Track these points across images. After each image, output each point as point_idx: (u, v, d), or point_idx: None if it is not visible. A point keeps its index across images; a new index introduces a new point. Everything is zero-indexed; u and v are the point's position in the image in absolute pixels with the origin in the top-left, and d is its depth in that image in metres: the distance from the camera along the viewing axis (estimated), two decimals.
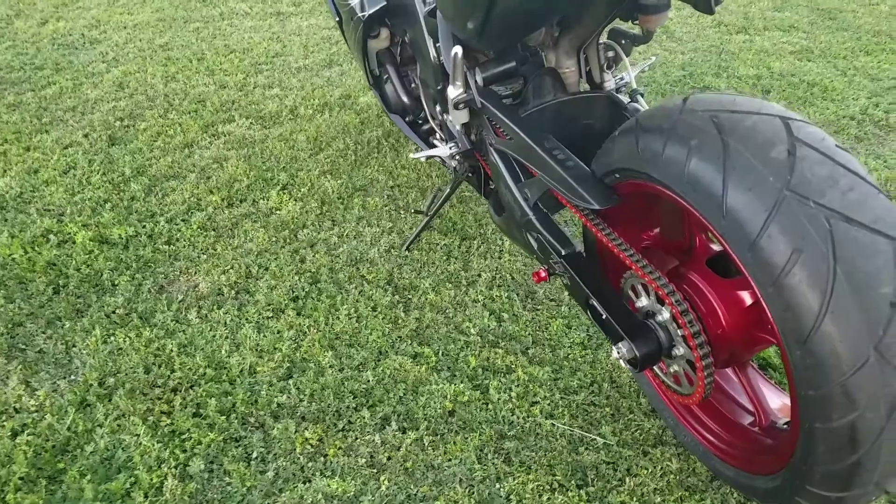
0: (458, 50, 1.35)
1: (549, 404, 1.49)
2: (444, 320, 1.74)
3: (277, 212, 2.23)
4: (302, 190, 2.33)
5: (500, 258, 1.96)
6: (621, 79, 1.69)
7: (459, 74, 1.37)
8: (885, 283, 0.83)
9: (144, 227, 2.17)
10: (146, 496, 1.32)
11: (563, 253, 1.34)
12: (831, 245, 0.84)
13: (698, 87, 2.94)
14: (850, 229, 0.85)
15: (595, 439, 1.41)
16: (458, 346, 1.66)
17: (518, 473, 1.35)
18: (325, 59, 3.39)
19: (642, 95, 1.61)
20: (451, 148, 1.69)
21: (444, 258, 1.97)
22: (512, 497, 1.31)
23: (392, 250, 2.01)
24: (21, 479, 1.34)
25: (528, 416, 1.47)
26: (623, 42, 1.60)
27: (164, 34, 3.85)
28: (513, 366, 1.59)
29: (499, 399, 1.51)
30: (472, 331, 1.70)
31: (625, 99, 1.59)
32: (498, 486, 1.33)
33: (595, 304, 1.25)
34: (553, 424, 1.44)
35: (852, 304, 0.83)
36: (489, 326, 1.71)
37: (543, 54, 1.61)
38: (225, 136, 2.74)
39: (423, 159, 1.76)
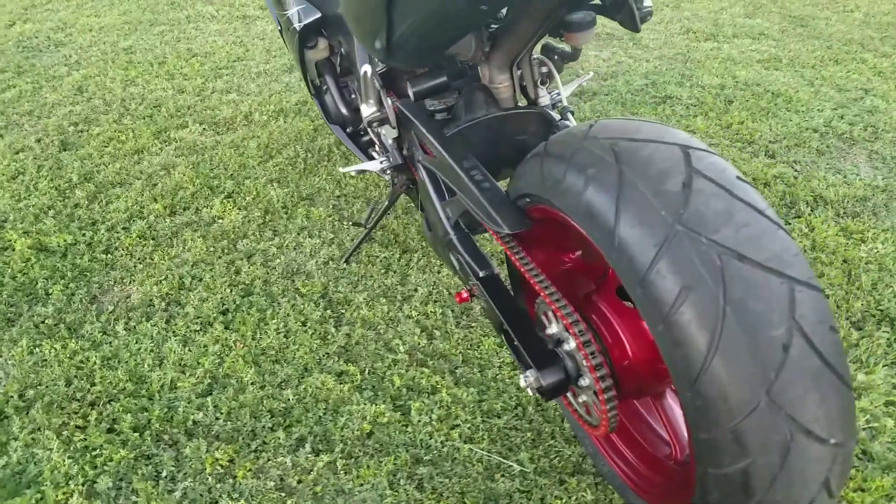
0: (367, 69, 1.34)
1: (469, 428, 1.48)
2: (374, 336, 1.73)
3: (219, 221, 2.21)
4: (247, 199, 2.31)
5: (438, 272, 1.94)
6: (557, 94, 1.68)
7: (371, 92, 1.35)
8: (778, 326, 0.81)
9: (84, 235, 2.15)
10: None
11: (480, 275, 1.32)
12: (722, 283, 0.82)
13: (659, 96, 2.94)
14: (742, 267, 0.83)
15: (512, 466, 1.40)
16: (386, 364, 1.65)
17: (429, 501, 1.34)
18: (285, 64, 3.38)
19: (572, 113, 1.60)
20: (382, 162, 1.67)
21: (383, 271, 1.95)
22: None
23: (331, 262, 2.00)
24: None
25: (446, 440, 1.45)
26: (555, 58, 1.59)
27: (128, 37, 3.83)
28: (438, 386, 1.57)
29: (419, 421, 1.49)
30: (401, 348, 1.68)
31: (556, 116, 1.58)
32: None
33: (507, 329, 1.23)
34: (471, 449, 1.43)
35: (742, 346, 0.81)
36: (419, 344, 1.70)
37: (479, 69, 1.60)
38: (176, 142, 2.72)
39: (353, 173, 1.75)
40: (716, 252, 0.83)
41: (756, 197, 0.89)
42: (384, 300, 1.84)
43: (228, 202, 2.29)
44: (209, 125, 2.83)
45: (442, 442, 1.45)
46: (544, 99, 1.62)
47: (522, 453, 1.42)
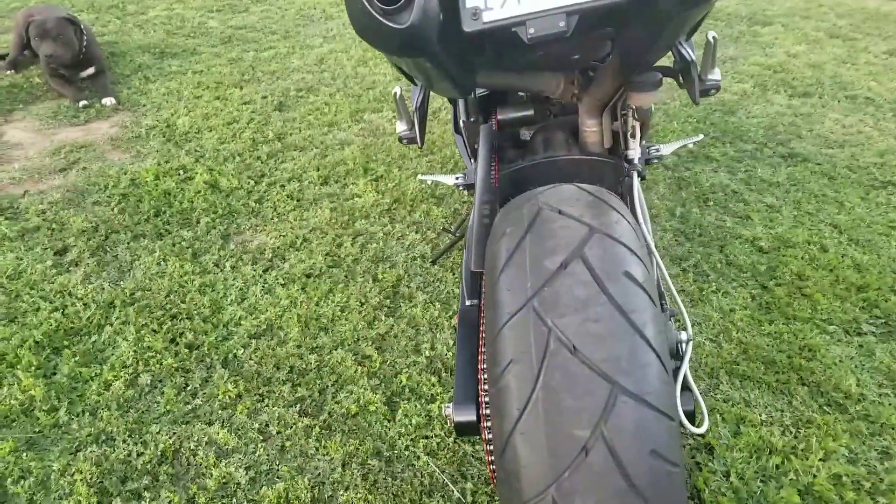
0: (397, 90, 1.48)
1: (438, 443, 1.55)
2: (411, 335, 1.86)
3: (356, 198, 2.52)
4: (388, 185, 2.58)
5: None
6: (657, 150, 1.66)
7: (401, 111, 1.48)
8: (583, 427, 0.80)
9: (249, 183, 2.62)
10: (98, 387, 1.70)
11: (466, 304, 1.40)
12: (541, 367, 0.84)
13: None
14: (569, 359, 0.83)
15: (453, 491, 1.44)
16: (406, 362, 1.78)
17: (363, 490, 1.45)
18: None
19: (642, 177, 1.56)
20: (457, 178, 1.80)
21: (455, 280, 2.07)
22: None
23: (418, 259, 2.17)
24: (35, 342, 1.82)
25: (411, 446, 1.54)
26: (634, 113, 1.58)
27: None
28: (435, 397, 1.66)
29: (399, 421, 1.60)
30: (426, 353, 1.80)
31: (639, 167, 1.57)
32: (338, 494, 1.45)
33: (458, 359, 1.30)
34: (427, 462, 1.50)
35: (541, 433, 0.82)
36: (444, 354, 1.79)
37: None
38: (365, 123, 3.11)
39: (429, 181, 1.88)
40: (552, 336, 0.84)
41: (630, 297, 0.86)
42: (438, 305, 1.96)
43: (371, 184, 2.59)
44: (395, 111, 3.18)
45: (407, 446, 1.54)
46: (634, 151, 1.61)
47: (469, 483, 1.45)
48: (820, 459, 1.50)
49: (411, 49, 0.98)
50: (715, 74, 1.41)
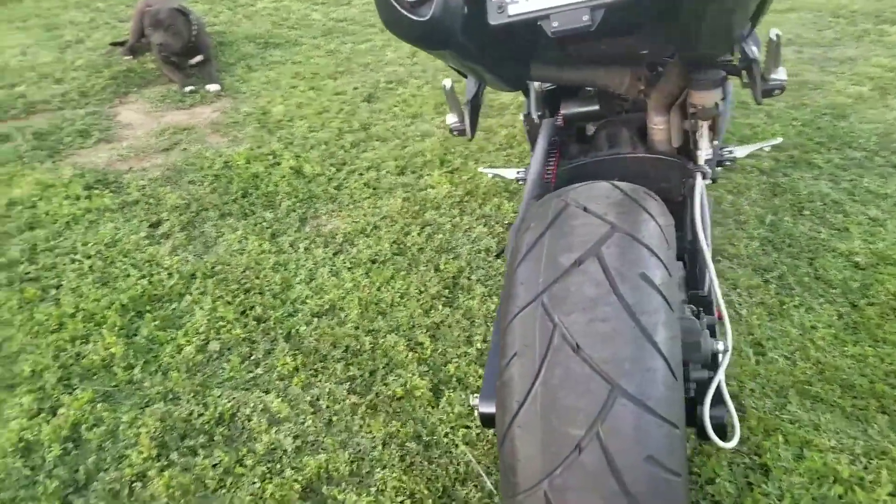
0: (446, 82, 1.50)
1: (476, 434, 1.57)
2: (465, 326, 1.90)
3: (430, 189, 2.58)
4: (463, 177, 2.63)
5: None
6: (730, 151, 1.62)
7: (451, 104, 1.51)
8: (579, 426, 0.81)
9: (330, 170, 2.74)
10: (172, 350, 1.85)
11: None
12: (543, 363, 0.85)
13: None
14: (571, 357, 0.84)
15: (486, 483, 1.46)
16: (457, 352, 1.81)
17: (398, 471, 1.50)
18: None
19: (711, 178, 1.52)
20: (519, 172, 1.82)
21: None
22: (372, 492, 1.48)
23: (483, 253, 2.20)
24: (122, 305, 2.00)
25: (450, 433, 1.58)
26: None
27: None
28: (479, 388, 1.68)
29: (442, 408, 1.64)
30: (478, 345, 1.82)
31: (707, 170, 1.54)
32: (375, 471, 1.51)
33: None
34: (464, 452, 1.53)
35: (538, 428, 0.84)
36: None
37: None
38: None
39: (490, 175, 1.90)
40: (557, 333, 0.85)
41: (643, 300, 0.85)
42: (496, 299, 1.98)
43: (446, 176, 2.64)
44: (484, 108, 3.22)
45: (446, 433, 1.57)
46: (702, 152, 1.57)
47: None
48: (889, 493, 1.40)
49: (433, 41, 1.01)
50: (779, 74, 1.35)
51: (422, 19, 0.97)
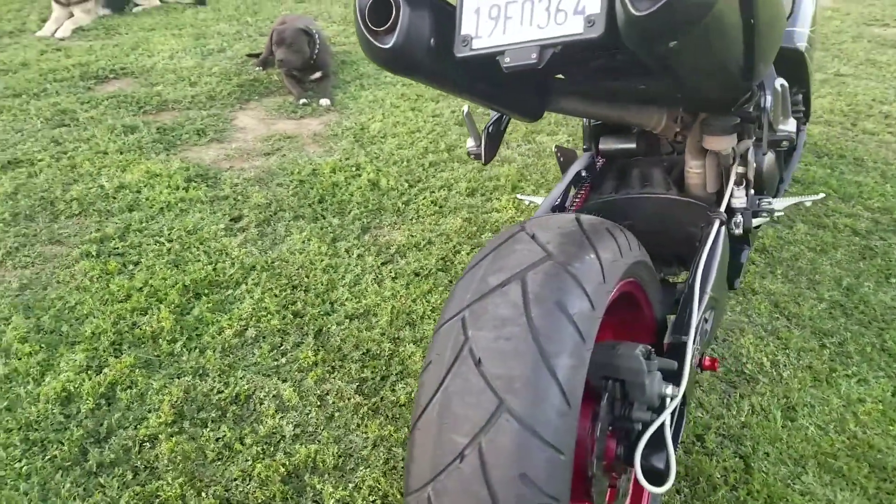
0: (465, 108, 1.58)
1: None
2: None
3: (495, 213, 2.65)
4: (529, 203, 2.67)
5: None
6: (768, 203, 1.60)
7: (470, 128, 1.57)
8: (464, 435, 0.86)
9: (404, 186, 2.89)
10: (214, 331, 2.04)
11: None
12: (447, 373, 0.92)
13: None
14: (471, 369, 0.90)
15: None
16: None
17: (378, 473, 1.57)
18: None
19: (744, 229, 1.50)
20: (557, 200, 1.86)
21: None
22: (349, 487, 1.55)
23: None
24: (184, 286, 2.23)
25: None
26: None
27: None
28: None
29: None
30: None
31: (740, 222, 1.53)
32: (358, 468, 1.59)
33: None
34: None
35: (431, 433, 0.90)
36: None
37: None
38: (535, 144, 3.24)
39: (527, 202, 1.94)
40: (466, 346, 0.90)
41: (552, 326, 0.89)
42: None
43: (514, 202, 2.70)
44: (573, 135, 3.25)
45: None
46: (738, 201, 1.56)
47: None
48: None
49: (399, 67, 1.10)
50: (787, 125, 1.32)
51: (385, 47, 1.07)
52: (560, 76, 1.50)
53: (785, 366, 1.89)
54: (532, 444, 0.84)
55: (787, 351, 1.95)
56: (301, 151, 3.28)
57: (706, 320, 1.35)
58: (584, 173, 1.74)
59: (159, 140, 3.36)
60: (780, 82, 1.25)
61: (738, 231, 1.58)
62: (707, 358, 1.41)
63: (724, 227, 1.49)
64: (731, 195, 1.57)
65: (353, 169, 3.03)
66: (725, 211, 1.55)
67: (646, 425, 1.09)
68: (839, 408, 1.74)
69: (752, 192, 1.62)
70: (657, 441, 1.06)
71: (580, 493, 1.05)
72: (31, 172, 3.01)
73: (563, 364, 0.87)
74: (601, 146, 1.75)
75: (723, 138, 1.38)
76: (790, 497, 1.51)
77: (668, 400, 1.09)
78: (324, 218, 2.66)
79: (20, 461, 1.59)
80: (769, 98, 1.26)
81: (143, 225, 2.61)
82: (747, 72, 1.14)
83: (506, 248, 1.03)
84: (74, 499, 1.50)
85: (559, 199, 1.70)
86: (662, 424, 1.06)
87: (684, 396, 1.20)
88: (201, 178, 2.98)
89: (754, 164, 1.55)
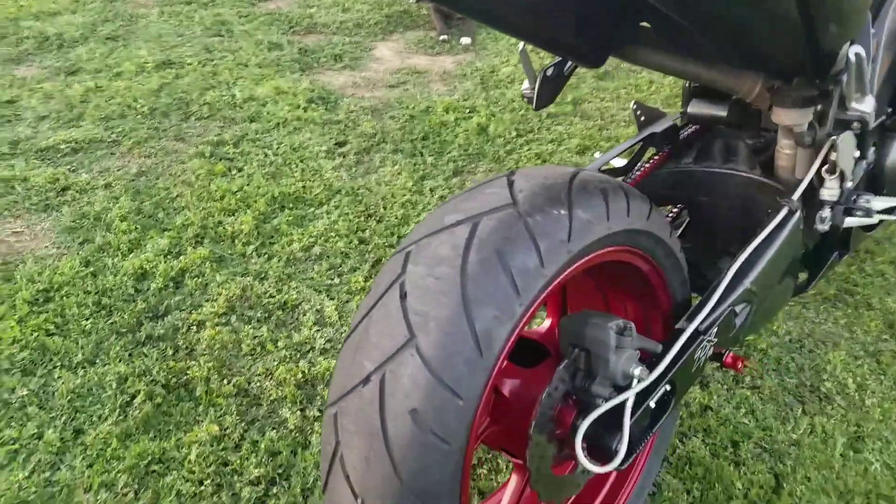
0: (522, 45, 1.48)
1: None
2: None
3: None
4: None
5: None
6: (867, 200, 1.44)
7: (525, 69, 1.48)
8: (370, 364, 0.87)
9: (512, 134, 2.85)
10: (285, 243, 2.18)
11: None
12: (397, 295, 0.93)
13: None
14: (392, 301, 0.90)
15: None
16: None
17: None
18: None
19: (829, 225, 1.36)
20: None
21: None
22: None
23: None
24: (273, 196, 2.39)
25: None
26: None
27: None
28: None
29: None
30: None
31: (827, 216, 1.39)
32: None
33: None
34: None
35: (351, 355, 0.92)
36: None
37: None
38: (675, 107, 3.06)
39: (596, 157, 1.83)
40: (399, 280, 0.91)
41: (485, 274, 0.87)
42: None
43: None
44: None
45: None
46: (830, 191, 1.40)
47: None
48: None
49: None
50: (861, 104, 1.14)
51: None
52: (644, 24, 1.40)
53: (873, 393, 1.69)
54: (430, 383, 0.83)
55: (882, 377, 1.74)
56: (425, 87, 3.33)
57: (735, 313, 1.23)
58: (661, 137, 1.63)
59: (298, 60, 3.56)
60: (856, 50, 1.08)
61: (824, 227, 1.41)
62: (731, 355, 1.30)
63: (794, 218, 1.35)
64: (822, 185, 1.41)
65: (467, 111, 3.04)
66: (814, 203, 1.39)
67: (605, 402, 1.03)
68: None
69: (850, 185, 1.43)
70: (615, 421, 1.01)
71: (523, 452, 1.04)
72: (178, 74, 3.33)
73: (484, 313, 0.85)
74: (689, 109, 1.63)
75: (791, 111, 1.23)
76: None
77: (634, 381, 1.02)
78: (421, 155, 2.71)
79: (87, 319, 1.82)
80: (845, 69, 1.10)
81: (258, 136, 2.80)
82: (809, 31, 1.00)
83: (478, 190, 1.00)
84: (118, 360, 1.69)
85: (628, 161, 1.61)
86: (623, 404, 1.00)
87: (674, 386, 1.12)
88: (322, 100, 3.13)
89: (854, 153, 1.37)
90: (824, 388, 1.71)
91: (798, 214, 1.36)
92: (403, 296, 0.89)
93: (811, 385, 1.72)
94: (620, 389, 1.03)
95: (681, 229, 1.70)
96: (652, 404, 1.08)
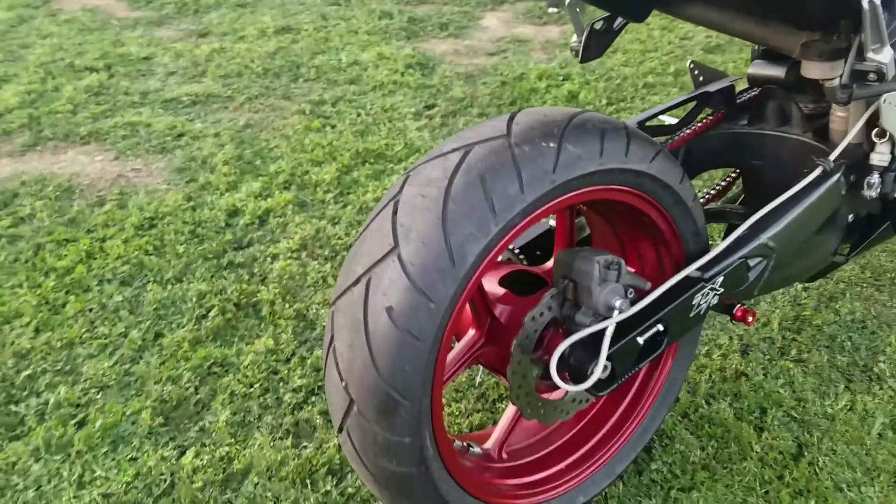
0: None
1: None
2: None
3: None
4: None
5: None
6: None
7: (574, 22, 1.52)
8: (363, 264, 1.01)
9: (602, 102, 2.88)
10: (366, 191, 2.36)
11: None
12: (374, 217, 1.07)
13: None
14: (388, 218, 1.04)
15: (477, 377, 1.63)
16: None
17: None
18: None
19: (876, 192, 1.35)
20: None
21: None
22: None
23: None
24: (358, 152, 2.58)
25: None
26: None
27: None
28: None
29: None
30: None
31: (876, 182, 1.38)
32: None
33: None
34: None
35: (350, 259, 1.06)
36: None
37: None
38: None
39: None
40: (394, 199, 1.03)
41: (466, 194, 0.97)
42: None
43: None
44: None
45: None
46: (880, 156, 1.39)
47: None
48: None
49: None
50: (879, 55, 1.12)
51: None
52: None
53: None
54: (406, 286, 0.95)
55: None
56: (525, 56, 3.41)
57: (748, 266, 1.26)
58: (716, 96, 1.63)
59: (405, 28, 3.74)
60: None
61: (872, 194, 1.39)
62: (741, 308, 1.33)
63: (830, 180, 1.34)
64: (873, 150, 1.38)
65: (560, 78, 3.09)
66: (864, 168, 1.38)
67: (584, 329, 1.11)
68: None
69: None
70: (597, 349, 1.09)
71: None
72: (294, 39, 3.61)
73: (460, 229, 0.96)
74: (750, 70, 1.62)
75: (817, 64, 1.23)
76: (831, 499, 1.37)
77: (615, 312, 1.09)
78: None
79: (181, 244, 2.09)
80: (866, 20, 1.09)
81: (355, 97, 3.01)
82: None
83: (483, 124, 1.10)
84: (201, 280, 1.94)
85: (680, 120, 1.63)
86: (603, 332, 1.08)
87: (668, 327, 1.17)
88: (420, 66, 3.29)
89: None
90: (877, 368, 1.66)
91: (837, 177, 1.35)
92: (395, 211, 1.02)
93: (864, 365, 1.68)
94: (604, 320, 1.11)
95: (731, 193, 1.71)
96: (641, 340, 1.15)
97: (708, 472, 1.43)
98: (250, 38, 3.62)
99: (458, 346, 1.22)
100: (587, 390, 1.11)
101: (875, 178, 1.38)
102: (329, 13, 3.94)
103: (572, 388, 1.08)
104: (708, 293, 1.21)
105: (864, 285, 1.92)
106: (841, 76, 1.25)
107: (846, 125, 1.41)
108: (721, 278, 1.21)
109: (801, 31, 1.33)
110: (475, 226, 0.97)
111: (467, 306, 1.21)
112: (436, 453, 1.07)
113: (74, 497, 1.36)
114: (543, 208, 1.04)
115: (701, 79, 1.76)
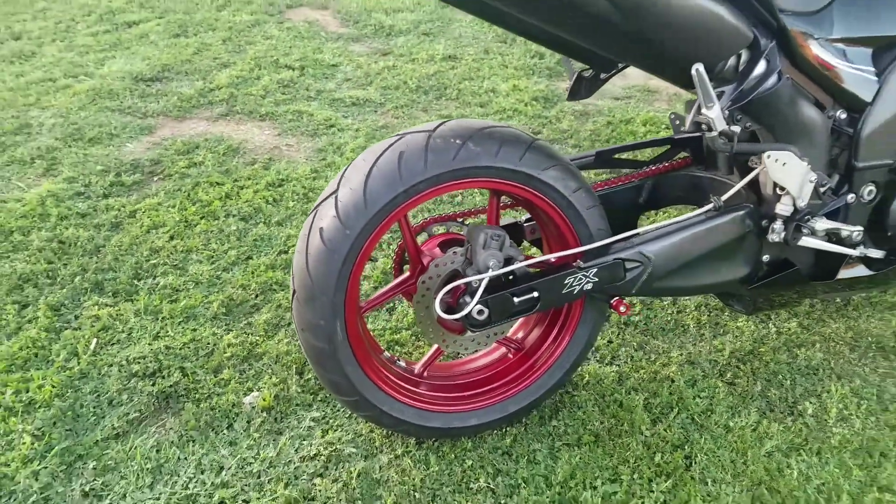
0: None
1: None
2: None
3: None
4: None
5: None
6: (814, 221, 1.65)
7: (565, 64, 1.88)
8: (325, 195, 1.53)
9: None
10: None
11: None
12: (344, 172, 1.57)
13: None
14: (345, 176, 1.52)
15: None
16: None
17: None
18: None
19: (785, 239, 1.61)
20: None
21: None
22: None
23: None
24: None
25: None
26: None
27: None
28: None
29: None
30: None
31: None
32: None
33: None
34: None
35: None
36: None
37: None
38: None
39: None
40: (351, 164, 1.51)
41: (385, 163, 1.41)
42: None
43: None
44: None
45: None
46: (783, 206, 1.64)
47: None
48: None
49: None
50: (710, 112, 1.38)
51: None
52: None
53: (851, 426, 1.76)
54: (333, 215, 1.42)
55: (874, 418, 1.78)
56: (646, 104, 3.69)
57: (624, 267, 1.56)
58: (680, 142, 1.85)
59: (550, 68, 4.17)
60: (697, 67, 1.35)
61: (776, 238, 1.61)
62: (619, 300, 1.62)
63: (719, 217, 1.58)
64: (778, 200, 1.60)
65: (663, 126, 3.34)
66: (771, 215, 1.61)
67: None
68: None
69: (802, 205, 1.57)
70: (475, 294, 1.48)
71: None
72: (452, 65, 4.19)
73: (375, 185, 1.41)
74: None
75: (689, 116, 1.49)
76: (689, 485, 1.60)
77: (489, 270, 1.48)
78: None
79: (293, 201, 2.71)
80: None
81: (476, 116, 3.51)
82: (663, 55, 1.33)
83: (424, 124, 1.53)
84: (295, 227, 2.54)
85: (652, 160, 1.89)
86: (480, 283, 1.47)
87: (541, 294, 1.52)
88: (545, 99, 3.71)
89: (810, 177, 1.53)
90: (802, 406, 1.81)
91: (731, 216, 1.60)
92: (344, 173, 1.50)
93: (792, 402, 1.83)
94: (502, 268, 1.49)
95: None
96: (516, 300, 1.52)
97: (596, 438, 1.72)
98: (419, 61, 4.27)
99: (395, 281, 1.66)
100: (469, 325, 1.50)
101: (779, 224, 1.61)
102: (492, 48, 4.48)
103: (448, 317, 1.49)
104: (581, 279, 1.54)
105: (839, 342, 2.04)
106: (723, 132, 1.52)
107: (766, 176, 1.63)
108: (595, 269, 1.54)
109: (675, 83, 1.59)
110: (386, 184, 1.42)
111: (406, 255, 1.66)
112: (345, 339, 1.52)
113: (149, 344, 2.00)
114: (445, 184, 1.46)
115: (682, 129, 2.02)
